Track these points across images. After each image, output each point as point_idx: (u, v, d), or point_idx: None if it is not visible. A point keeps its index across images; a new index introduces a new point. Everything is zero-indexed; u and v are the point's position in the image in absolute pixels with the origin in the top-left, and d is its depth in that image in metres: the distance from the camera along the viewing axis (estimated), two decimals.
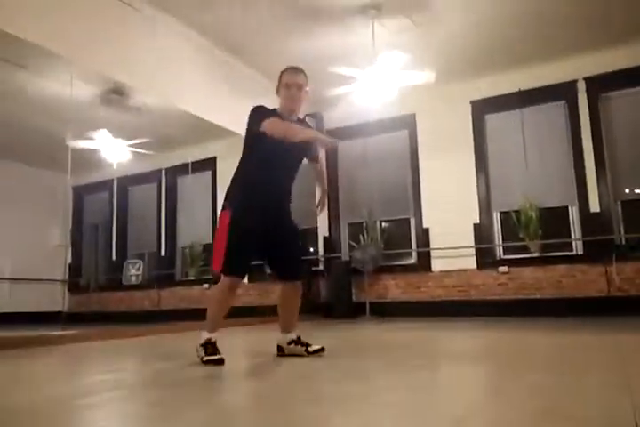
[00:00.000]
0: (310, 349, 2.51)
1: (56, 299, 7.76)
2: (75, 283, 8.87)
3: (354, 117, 6.86)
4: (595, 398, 1.43)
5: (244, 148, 2.56)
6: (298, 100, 2.54)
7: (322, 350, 2.50)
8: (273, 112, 2.48)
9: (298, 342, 2.54)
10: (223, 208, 2.48)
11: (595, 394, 1.49)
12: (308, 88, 2.57)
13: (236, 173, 2.56)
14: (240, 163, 2.57)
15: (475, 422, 1.23)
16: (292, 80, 2.51)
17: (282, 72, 2.58)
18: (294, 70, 2.55)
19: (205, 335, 2.37)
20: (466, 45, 5.54)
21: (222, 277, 2.40)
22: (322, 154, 2.82)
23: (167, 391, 1.76)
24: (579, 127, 5.78)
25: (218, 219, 2.51)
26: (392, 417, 1.29)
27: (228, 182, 2.57)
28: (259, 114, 2.43)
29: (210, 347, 2.33)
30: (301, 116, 2.76)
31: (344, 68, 4.82)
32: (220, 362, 2.26)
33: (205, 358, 2.29)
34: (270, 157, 2.46)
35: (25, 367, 2.69)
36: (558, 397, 1.45)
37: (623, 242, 5.45)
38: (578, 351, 2.66)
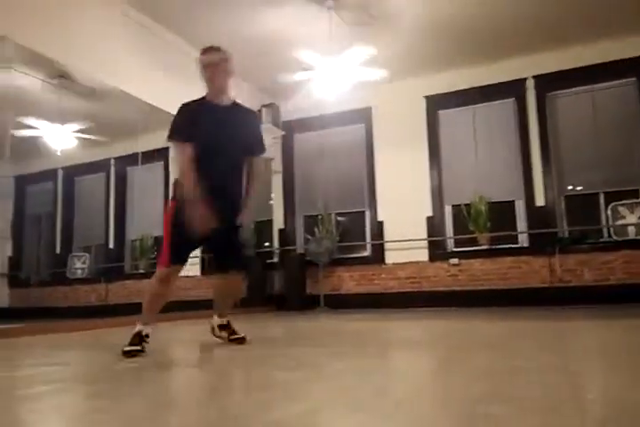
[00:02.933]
0: (232, 337, 2.55)
1: None
2: (15, 277, 8.44)
3: (310, 110, 6.82)
4: (536, 380, 1.46)
5: None
6: (218, 79, 2.45)
7: (243, 339, 2.53)
8: (194, 106, 2.45)
9: (225, 327, 2.59)
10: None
11: (536, 376, 1.53)
12: (226, 63, 2.46)
13: None
14: None
15: (420, 403, 1.23)
16: (207, 61, 2.43)
17: (199, 56, 2.50)
18: (208, 50, 2.47)
19: (137, 327, 2.31)
20: (422, 41, 5.61)
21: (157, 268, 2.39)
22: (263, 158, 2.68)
23: (108, 384, 1.69)
24: (526, 124, 5.97)
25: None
26: (336, 401, 1.28)
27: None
28: (173, 122, 2.44)
29: (136, 337, 2.25)
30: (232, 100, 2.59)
31: (302, 53, 4.75)
32: (133, 354, 2.16)
33: (125, 349, 2.19)
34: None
35: None
36: (501, 379, 1.48)
37: (566, 235, 5.69)
38: (521, 338, 2.75)
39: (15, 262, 8.50)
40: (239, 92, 6.59)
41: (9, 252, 8.25)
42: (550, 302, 5.22)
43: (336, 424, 1.08)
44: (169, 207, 2.44)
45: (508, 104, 6.17)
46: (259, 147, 2.60)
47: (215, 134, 2.42)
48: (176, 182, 2.46)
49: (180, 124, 2.43)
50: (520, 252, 5.74)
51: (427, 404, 1.24)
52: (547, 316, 4.12)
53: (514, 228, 5.95)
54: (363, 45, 4.69)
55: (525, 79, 5.99)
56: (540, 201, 5.78)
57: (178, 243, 2.36)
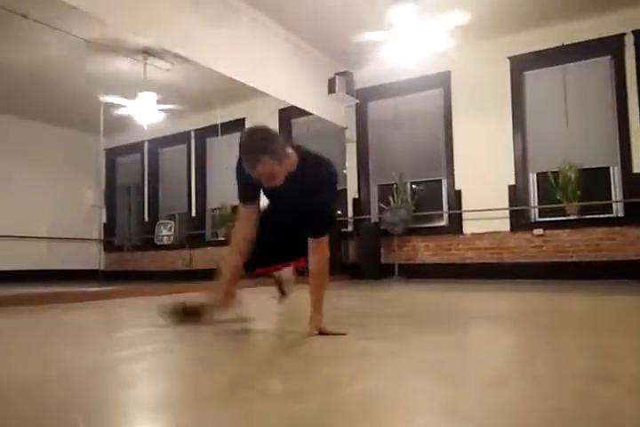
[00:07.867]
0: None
1: (92, 257, 8.01)
2: (109, 242, 9.13)
3: (385, 76, 6.63)
4: None
5: None
6: (273, 181, 1.91)
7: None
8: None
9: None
10: None
11: None
12: (275, 160, 1.85)
13: None
14: None
15: (516, 380, 1.20)
16: (254, 173, 1.88)
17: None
18: (249, 162, 1.87)
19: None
20: None
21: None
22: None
23: (206, 346, 1.78)
24: (624, 84, 5.44)
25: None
26: (424, 375, 1.26)
27: None
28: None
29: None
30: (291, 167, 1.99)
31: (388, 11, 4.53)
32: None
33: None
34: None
35: (62, 321, 2.78)
36: (602, 358, 1.40)
37: None
38: (618, 313, 2.59)
39: (109, 229, 9.18)
40: (310, 61, 6.54)
41: (103, 219, 8.89)
42: None
43: (426, 399, 1.07)
44: None
45: (604, 62, 5.63)
46: (317, 225, 2.01)
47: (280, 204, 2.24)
48: None
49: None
50: (614, 222, 5.34)
51: (523, 381, 1.20)
52: None
53: (608, 196, 5.53)
54: (441, 4, 4.44)
55: (624, 35, 5.41)
56: (638, 167, 5.31)
57: None
